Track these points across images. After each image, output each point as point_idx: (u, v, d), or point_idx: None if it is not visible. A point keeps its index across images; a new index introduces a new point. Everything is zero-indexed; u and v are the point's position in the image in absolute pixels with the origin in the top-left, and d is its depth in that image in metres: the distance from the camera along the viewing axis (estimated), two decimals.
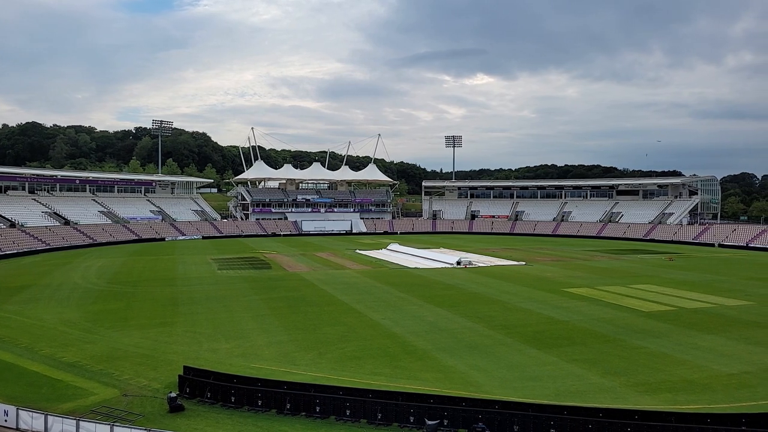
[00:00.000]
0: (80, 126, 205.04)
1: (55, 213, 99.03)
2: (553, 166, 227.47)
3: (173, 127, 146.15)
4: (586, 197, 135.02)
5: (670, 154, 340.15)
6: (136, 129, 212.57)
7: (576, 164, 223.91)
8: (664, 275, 57.73)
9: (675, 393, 22.59)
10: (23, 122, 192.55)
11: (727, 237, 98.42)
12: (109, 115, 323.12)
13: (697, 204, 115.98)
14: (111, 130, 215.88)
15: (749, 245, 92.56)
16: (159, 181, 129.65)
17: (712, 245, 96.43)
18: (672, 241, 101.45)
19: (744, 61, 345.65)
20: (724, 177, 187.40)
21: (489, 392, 22.34)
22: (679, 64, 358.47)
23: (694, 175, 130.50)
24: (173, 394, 20.88)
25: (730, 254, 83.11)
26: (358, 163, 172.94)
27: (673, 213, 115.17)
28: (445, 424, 19.07)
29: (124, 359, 26.79)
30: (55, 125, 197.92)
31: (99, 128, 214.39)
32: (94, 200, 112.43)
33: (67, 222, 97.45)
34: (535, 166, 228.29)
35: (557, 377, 24.51)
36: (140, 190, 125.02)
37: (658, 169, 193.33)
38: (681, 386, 23.39)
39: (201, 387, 21.93)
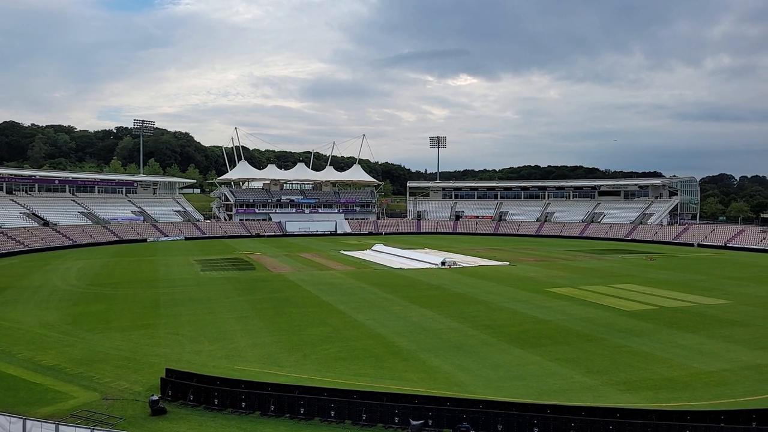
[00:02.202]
0: (59, 125, 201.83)
1: (33, 214, 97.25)
2: (537, 167, 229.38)
3: (155, 126, 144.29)
4: (569, 198, 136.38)
5: (650, 155, 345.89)
6: (117, 129, 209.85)
7: (559, 165, 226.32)
8: (645, 275, 58.53)
9: (656, 391, 22.90)
10: (0, 121, 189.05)
11: (706, 237, 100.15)
12: (89, 115, 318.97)
13: (677, 204, 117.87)
14: (91, 130, 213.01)
15: (728, 245, 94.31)
16: (140, 181, 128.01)
17: (692, 245, 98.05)
18: (653, 241, 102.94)
19: (722, 64, 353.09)
20: (703, 178, 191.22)
21: (473, 392, 22.43)
22: (659, 66, 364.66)
23: (674, 176, 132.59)
24: (155, 397, 20.61)
25: (709, 254, 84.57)
26: (342, 164, 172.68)
27: (653, 213, 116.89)
28: (430, 424, 19.09)
29: (104, 362, 26.38)
30: (33, 124, 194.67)
31: (79, 128, 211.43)
32: (73, 201, 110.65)
33: (46, 223, 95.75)
34: (518, 167, 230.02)
35: (540, 376, 24.70)
36: (121, 191, 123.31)
37: (639, 170, 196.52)
38: (662, 384, 23.72)
39: (183, 389, 21.69)
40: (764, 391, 22.81)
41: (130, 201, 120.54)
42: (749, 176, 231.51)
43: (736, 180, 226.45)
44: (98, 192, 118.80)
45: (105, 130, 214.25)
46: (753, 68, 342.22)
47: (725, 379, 24.40)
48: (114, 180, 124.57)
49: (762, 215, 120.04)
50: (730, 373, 25.19)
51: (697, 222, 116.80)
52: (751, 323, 35.30)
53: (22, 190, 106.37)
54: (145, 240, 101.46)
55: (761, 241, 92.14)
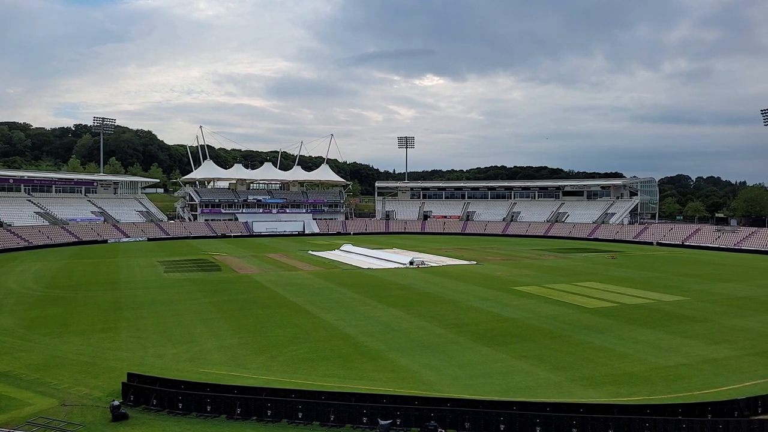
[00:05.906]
0: (14, 122, 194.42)
1: None
2: (503, 167, 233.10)
3: (116, 124, 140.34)
4: (534, 198, 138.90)
5: (612, 157, 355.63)
6: (76, 126, 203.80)
7: (524, 165, 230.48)
8: (607, 273, 60.08)
9: (617, 386, 23.50)
10: None
11: (664, 236, 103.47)
12: (46, 112, 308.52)
13: (637, 204, 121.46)
14: (48, 127, 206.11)
15: (684, 243, 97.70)
16: (101, 180, 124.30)
17: (651, 244, 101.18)
18: (614, 240, 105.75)
19: (679, 68, 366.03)
20: (661, 179, 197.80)
21: (441, 390, 22.58)
22: (619, 69, 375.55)
23: (635, 176, 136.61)
24: (116, 402, 20.03)
25: (667, 252, 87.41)
26: (310, 164, 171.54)
27: (615, 213, 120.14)
28: (398, 423, 19.13)
29: (62, 367, 25.50)
30: None
31: (35, 125, 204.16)
32: (29, 201, 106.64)
33: (0, 224, 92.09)
34: (485, 167, 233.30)
35: (507, 374, 25.05)
36: (80, 190, 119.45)
37: (601, 171, 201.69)
38: (623, 379, 24.36)
39: (146, 394, 21.13)
40: (719, 384, 23.69)
41: (89, 201, 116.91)
42: (705, 177, 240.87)
43: (692, 181, 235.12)
44: (56, 192, 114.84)
45: (63, 127, 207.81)
46: (708, 72, 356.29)
47: (683, 374, 25.22)
48: (72, 179, 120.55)
49: (716, 215, 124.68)
50: (687, 368, 26.05)
51: (656, 221, 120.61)
52: (707, 319, 36.62)
53: None
54: (105, 241, 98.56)
55: (716, 239, 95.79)
